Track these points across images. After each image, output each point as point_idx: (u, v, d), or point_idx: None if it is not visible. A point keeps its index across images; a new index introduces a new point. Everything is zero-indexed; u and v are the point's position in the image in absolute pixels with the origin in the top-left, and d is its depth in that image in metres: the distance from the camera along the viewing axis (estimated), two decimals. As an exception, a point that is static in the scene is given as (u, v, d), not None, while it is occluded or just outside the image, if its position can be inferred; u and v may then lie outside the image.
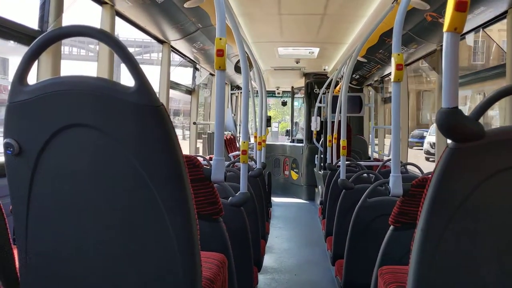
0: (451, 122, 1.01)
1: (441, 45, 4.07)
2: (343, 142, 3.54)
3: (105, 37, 1.08)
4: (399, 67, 2.05)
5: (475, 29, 3.41)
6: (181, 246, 1.11)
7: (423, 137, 16.05)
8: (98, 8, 3.09)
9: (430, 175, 1.10)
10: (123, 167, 1.08)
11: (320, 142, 6.70)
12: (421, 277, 1.09)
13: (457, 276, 1.08)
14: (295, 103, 10.02)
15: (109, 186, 1.11)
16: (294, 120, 9.98)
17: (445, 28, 1.01)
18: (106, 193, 1.11)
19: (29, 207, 1.13)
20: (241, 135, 2.69)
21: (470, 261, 1.07)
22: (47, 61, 2.41)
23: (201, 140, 7.02)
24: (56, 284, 1.17)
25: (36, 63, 2.37)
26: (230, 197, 2.35)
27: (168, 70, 4.59)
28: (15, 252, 1.20)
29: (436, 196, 1.06)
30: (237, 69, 6.60)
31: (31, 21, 2.44)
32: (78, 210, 1.13)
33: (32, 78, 1.14)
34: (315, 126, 6.97)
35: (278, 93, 9.98)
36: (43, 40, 1.08)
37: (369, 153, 7.13)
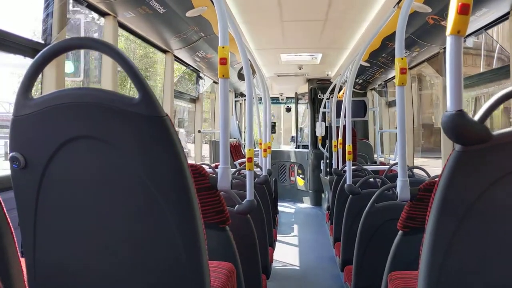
0: (457, 125, 1.01)
1: (444, 48, 4.07)
2: (348, 147, 3.53)
3: (108, 49, 1.08)
4: (402, 71, 2.04)
5: (478, 31, 3.40)
6: (189, 256, 1.11)
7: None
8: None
9: (437, 179, 1.09)
10: (129, 178, 1.08)
11: (326, 148, 6.69)
12: (432, 282, 1.08)
13: (468, 281, 1.07)
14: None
15: (116, 198, 1.11)
16: (299, 126, 9.97)
17: (448, 31, 1.01)
18: (113, 205, 1.11)
19: (36, 220, 1.13)
20: (246, 142, 2.69)
21: (481, 265, 1.06)
22: (51, 74, 2.42)
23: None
24: None
25: (40, 76, 2.39)
26: (237, 205, 2.34)
27: (171, 80, 4.61)
28: (23, 265, 1.20)
29: (444, 199, 1.05)
30: (241, 76, 6.62)
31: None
32: (85, 222, 1.13)
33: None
34: (320, 131, 6.96)
35: (282, 99, 9.98)
36: (47, 53, 1.08)
37: (375, 157, 7.11)
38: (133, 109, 1.04)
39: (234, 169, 3.88)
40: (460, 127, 1.00)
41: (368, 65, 5.64)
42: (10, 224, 1.20)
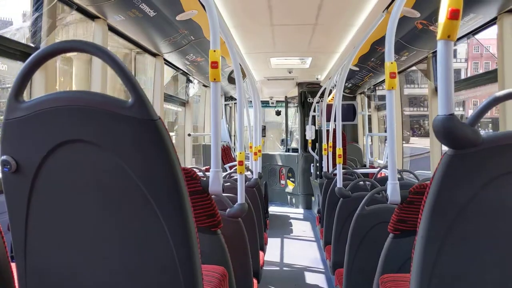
0: (448, 129, 1.02)
1: (432, 52, 4.12)
2: (338, 150, 3.55)
3: (101, 52, 1.07)
4: (392, 75, 2.06)
5: (466, 36, 3.45)
6: (182, 260, 1.10)
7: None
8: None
9: (427, 182, 1.10)
10: (121, 181, 1.07)
11: (316, 151, 6.71)
12: (423, 285, 1.09)
13: (460, 283, 1.08)
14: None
15: (108, 201, 1.10)
16: (289, 129, 9.99)
17: (438, 36, 1.03)
18: (105, 208, 1.10)
19: (28, 223, 1.12)
20: (237, 145, 2.68)
21: (472, 267, 1.07)
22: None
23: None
24: None
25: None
26: (228, 209, 2.34)
27: (161, 83, 4.60)
28: (14, 269, 1.19)
29: (436, 202, 1.06)
30: (231, 80, 6.63)
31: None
32: (77, 226, 1.12)
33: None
34: (310, 135, 6.99)
35: (272, 103, 10.01)
36: (38, 56, 1.07)
37: (364, 160, 7.15)
38: (126, 112, 1.04)
39: (225, 173, 3.87)
40: (451, 131, 1.02)
41: (358, 69, 5.68)
42: (1, 227, 1.18)
